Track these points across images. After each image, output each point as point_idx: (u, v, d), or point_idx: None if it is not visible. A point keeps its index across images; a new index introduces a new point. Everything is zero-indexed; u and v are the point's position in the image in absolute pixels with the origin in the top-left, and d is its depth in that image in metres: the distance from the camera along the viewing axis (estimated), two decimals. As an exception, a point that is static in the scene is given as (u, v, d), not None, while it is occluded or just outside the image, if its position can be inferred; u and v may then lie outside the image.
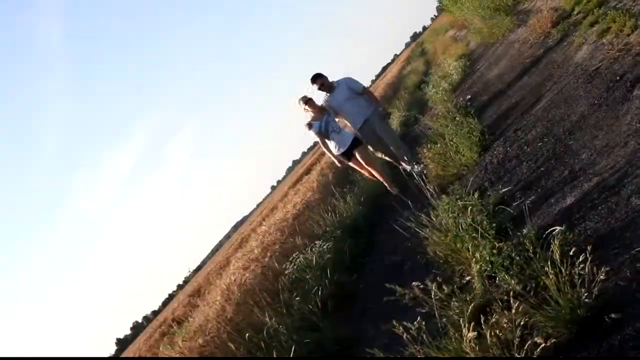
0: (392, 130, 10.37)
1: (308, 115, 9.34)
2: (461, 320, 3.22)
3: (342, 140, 9.27)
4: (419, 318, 3.43)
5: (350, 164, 9.53)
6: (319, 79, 9.50)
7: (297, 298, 6.63)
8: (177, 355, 7.58)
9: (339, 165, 9.67)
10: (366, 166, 9.42)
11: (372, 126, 9.36)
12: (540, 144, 5.87)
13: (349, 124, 9.71)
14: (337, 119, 9.45)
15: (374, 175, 9.57)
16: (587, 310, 2.94)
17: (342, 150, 9.25)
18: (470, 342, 3.04)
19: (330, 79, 9.66)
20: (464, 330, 3.10)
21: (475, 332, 3.03)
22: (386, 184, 9.45)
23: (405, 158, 9.22)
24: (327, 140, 9.34)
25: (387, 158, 9.91)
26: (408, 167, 8.81)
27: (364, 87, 9.66)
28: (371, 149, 9.72)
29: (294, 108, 9.50)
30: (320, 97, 9.57)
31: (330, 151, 9.50)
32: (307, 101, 9.26)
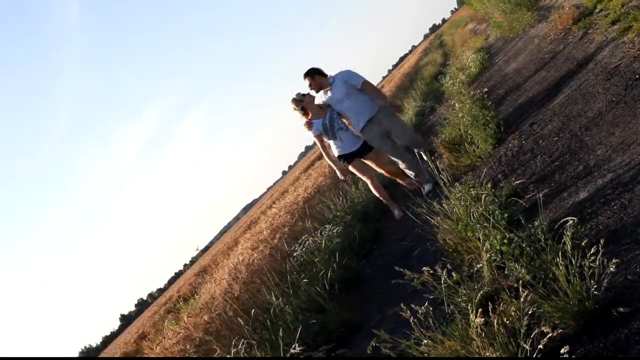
0: (407, 128, 9.04)
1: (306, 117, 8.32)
2: (469, 306, 3.24)
3: (350, 138, 8.27)
4: (426, 303, 3.45)
5: (351, 167, 8.35)
6: (308, 77, 8.31)
7: (305, 280, 6.68)
8: (173, 341, 7.58)
9: (341, 177, 8.51)
10: (379, 168, 8.53)
11: (379, 125, 8.09)
12: (556, 138, 5.87)
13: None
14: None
15: (380, 186, 8.59)
16: (596, 303, 2.95)
17: (352, 149, 8.23)
18: (477, 327, 3.05)
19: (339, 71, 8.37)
20: (471, 316, 3.12)
21: (483, 319, 3.04)
22: (387, 203, 8.56)
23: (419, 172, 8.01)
24: (332, 142, 8.31)
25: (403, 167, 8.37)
26: (425, 187, 7.87)
27: (364, 80, 8.20)
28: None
29: (291, 113, 8.46)
30: (316, 99, 8.44)
31: (332, 157, 8.48)
32: (302, 98, 8.27)
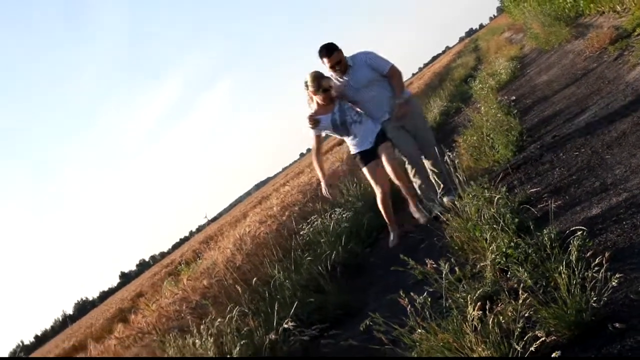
0: (429, 132, 7.48)
1: (313, 105, 6.90)
2: (468, 299, 3.25)
3: (367, 132, 6.86)
4: (425, 294, 3.47)
5: (364, 169, 7.03)
6: (335, 53, 6.62)
7: (308, 258, 6.72)
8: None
9: (324, 192, 7.21)
10: (392, 171, 6.85)
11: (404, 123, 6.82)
12: (577, 153, 5.86)
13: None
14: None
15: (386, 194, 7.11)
16: (593, 315, 2.96)
17: (367, 146, 6.88)
18: (473, 320, 3.07)
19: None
20: (468, 308, 3.14)
21: (480, 312, 3.06)
22: (388, 222, 7.28)
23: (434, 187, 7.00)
24: (346, 139, 7.06)
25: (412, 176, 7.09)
26: (435, 210, 6.66)
27: (391, 66, 6.78)
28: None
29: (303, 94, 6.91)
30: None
31: (320, 165, 7.26)
32: (322, 83, 6.62)
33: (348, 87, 6.77)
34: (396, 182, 6.97)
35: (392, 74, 6.77)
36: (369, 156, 6.90)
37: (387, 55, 6.95)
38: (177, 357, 4.96)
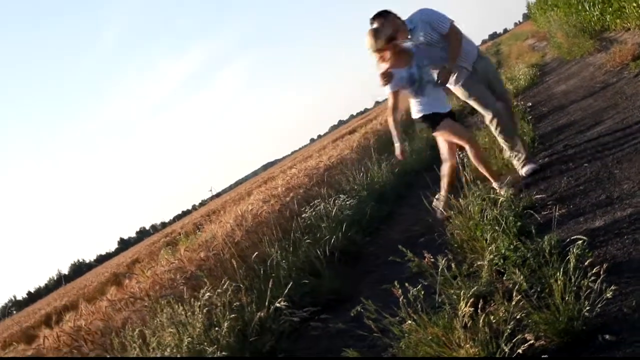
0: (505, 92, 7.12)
1: (385, 65, 6.17)
2: (461, 295, 3.25)
3: (442, 98, 6.35)
4: (419, 287, 3.47)
5: (439, 132, 6.33)
6: (378, 19, 6.09)
7: (307, 241, 6.72)
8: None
9: (398, 154, 6.51)
10: (461, 140, 6.26)
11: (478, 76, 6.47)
12: (586, 164, 5.84)
13: None
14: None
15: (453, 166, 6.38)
16: (584, 324, 2.96)
17: (441, 110, 6.26)
18: (464, 317, 3.07)
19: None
20: (460, 304, 3.14)
21: (472, 309, 3.06)
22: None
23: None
24: (413, 100, 6.30)
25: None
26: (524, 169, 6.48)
27: (449, 25, 6.17)
28: None
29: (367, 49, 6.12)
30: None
31: (396, 124, 6.48)
32: (380, 35, 5.97)
33: (414, 50, 6.23)
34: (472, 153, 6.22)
35: (448, 35, 6.17)
36: (439, 117, 6.22)
37: None
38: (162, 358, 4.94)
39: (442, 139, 6.45)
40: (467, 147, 6.19)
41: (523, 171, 6.51)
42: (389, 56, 6.13)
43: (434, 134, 6.44)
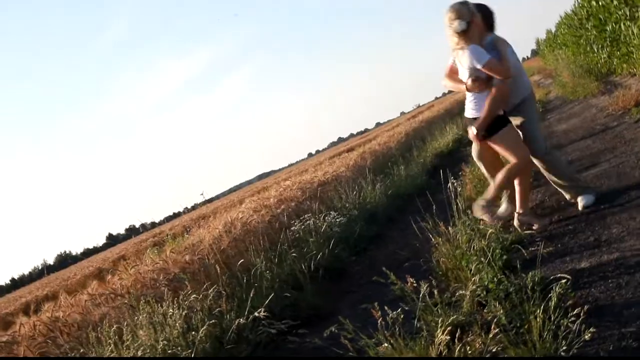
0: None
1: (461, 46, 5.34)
2: (440, 322, 3.24)
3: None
4: (399, 310, 3.47)
5: (493, 143, 5.55)
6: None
7: (294, 254, 6.72)
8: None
9: (475, 136, 5.51)
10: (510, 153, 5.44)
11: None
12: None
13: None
14: None
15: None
16: (559, 365, 2.96)
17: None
18: (440, 345, 3.06)
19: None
20: (437, 332, 3.13)
21: (449, 337, 3.05)
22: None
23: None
24: (471, 96, 5.60)
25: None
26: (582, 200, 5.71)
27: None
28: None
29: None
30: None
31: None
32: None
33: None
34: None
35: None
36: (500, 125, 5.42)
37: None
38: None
39: (490, 147, 5.66)
40: (516, 166, 5.39)
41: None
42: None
43: (488, 140, 5.53)
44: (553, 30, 32.23)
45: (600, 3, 14.19)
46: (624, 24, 12.20)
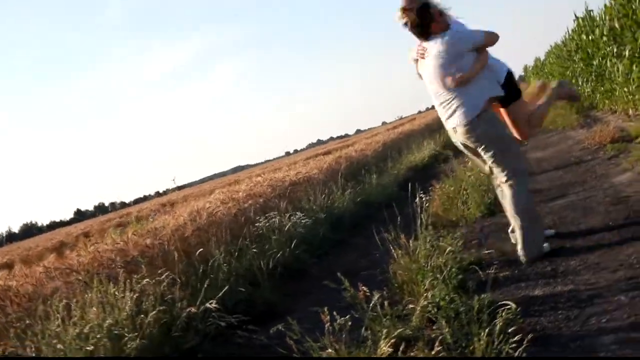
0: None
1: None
2: (385, 334, 3.24)
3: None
4: (348, 317, 3.47)
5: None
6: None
7: (254, 250, 6.70)
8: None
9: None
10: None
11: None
12: (541, 234, 5.87)
13: None
14: None
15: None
16: (497, 388, 2.97)
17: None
18: (382, 355, 3.06)
19: None
20: (381, 343, 3.13)
21: (392, 349, 3.05)
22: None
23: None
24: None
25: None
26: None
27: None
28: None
29: None
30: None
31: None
32: None
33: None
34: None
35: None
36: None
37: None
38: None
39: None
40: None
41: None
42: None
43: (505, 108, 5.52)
44: (542, 58, 32.50)
45: (590, 37, 14.32)
46: (611, 60, 12.30)
